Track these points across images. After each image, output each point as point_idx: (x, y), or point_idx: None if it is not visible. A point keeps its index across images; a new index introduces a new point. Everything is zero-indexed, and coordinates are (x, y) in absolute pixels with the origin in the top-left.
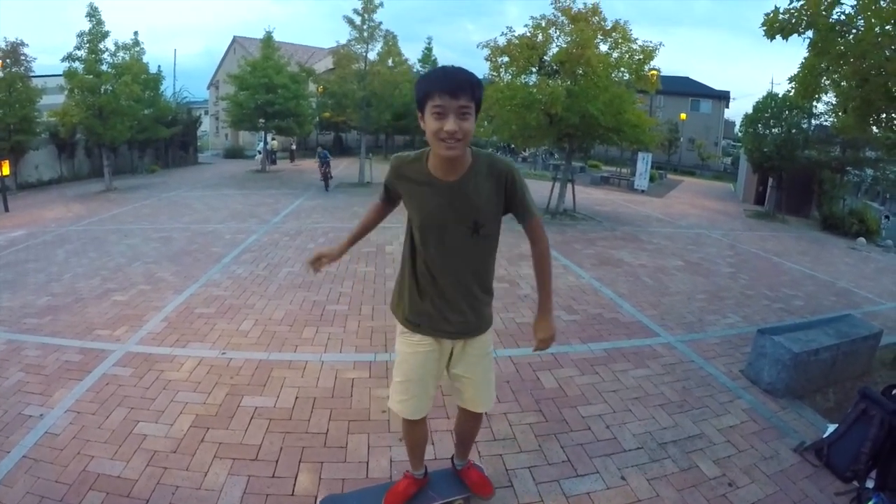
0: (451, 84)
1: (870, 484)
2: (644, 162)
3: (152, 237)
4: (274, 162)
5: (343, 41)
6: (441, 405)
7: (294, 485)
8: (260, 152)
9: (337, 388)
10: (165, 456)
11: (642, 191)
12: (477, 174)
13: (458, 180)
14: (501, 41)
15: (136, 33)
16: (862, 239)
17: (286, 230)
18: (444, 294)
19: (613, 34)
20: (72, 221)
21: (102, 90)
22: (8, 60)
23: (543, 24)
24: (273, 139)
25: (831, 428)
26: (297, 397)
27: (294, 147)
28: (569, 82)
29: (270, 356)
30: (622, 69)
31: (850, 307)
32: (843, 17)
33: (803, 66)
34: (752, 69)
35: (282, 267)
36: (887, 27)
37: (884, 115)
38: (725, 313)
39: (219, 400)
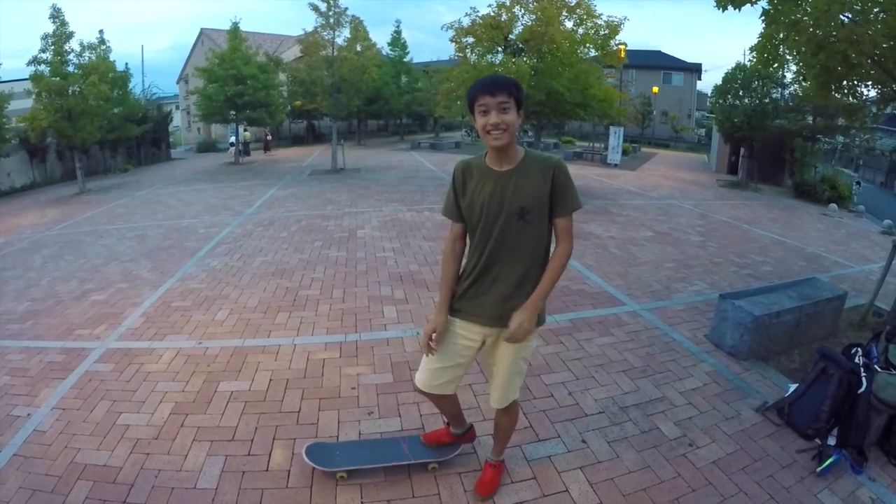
0: (490, 85)
1: (831, 441)
2: (616, 136)
3: (127, 236)
4: (247, 153)
5: (310, 28)
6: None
7: (269, 461)
8: (232, 145)
9: (309, 369)
10: (147, 443)
11: (615, 165)
12: (527, 166)
13: (510, 170)
14: (466, 22)
15: (101, 32)
16: (834, 205)
17: (260, 220)
18: (489, 279)
19: (578, 11)
20: (47, 226)
21: (70, 92)
22: None
23: (507, 3)
24: (245, 130)
25: (793, 388)
26: (270, 380)
27: (269, 137)
28: (535, 60)
29: (245, 343)
30: (588, 45)
31: (820, 271)
32: None
33: (761, 35)
34: (724, 41)
35: (255, 257)
36: None
37: (845, 82)
38: (692, 281)
39: (196, 387)
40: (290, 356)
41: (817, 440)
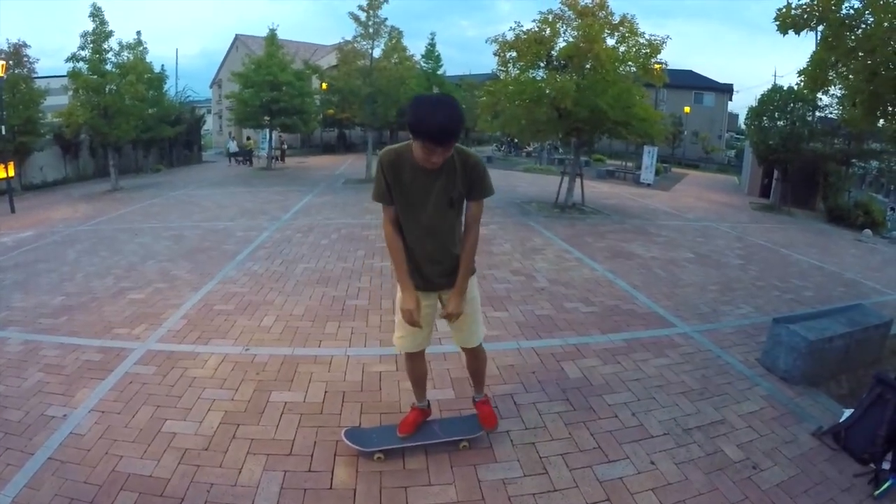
0: (443, 139)
1: (885, 465)
2: (650, 155)
3: (163, 235)
4: (249, 162)
5: (348, 37)
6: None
7: (332, 478)
8: (232, 154)
9: (365, 382)
10: (197, 454)
11: (648, 184)
12: (451, 161)
13: (438, 169)
14: (510, 36)
15: (138, 33)
16: (868, 231)
17: (298, 227)
18: (430, 255)
19: (621, 28)
20: (80, 221)
21: (107, 90)
22: (11, 62)
23: (550, 19)
24: (248, 139)
25: (847, 413)
26: (325, 391)
27: (285, 146)
28: (577, 76)
29: (295, 351)
30: (629, 63)
31: (859, 297)
32: (852, 10)
33: (812, 59)
34: (747, 61)
35: (298, 263)
36: (891, 17)
37: (891, 108)
38: (738, 304)
39: (247, 396)
40: (343, 367)
41: (872, 464)
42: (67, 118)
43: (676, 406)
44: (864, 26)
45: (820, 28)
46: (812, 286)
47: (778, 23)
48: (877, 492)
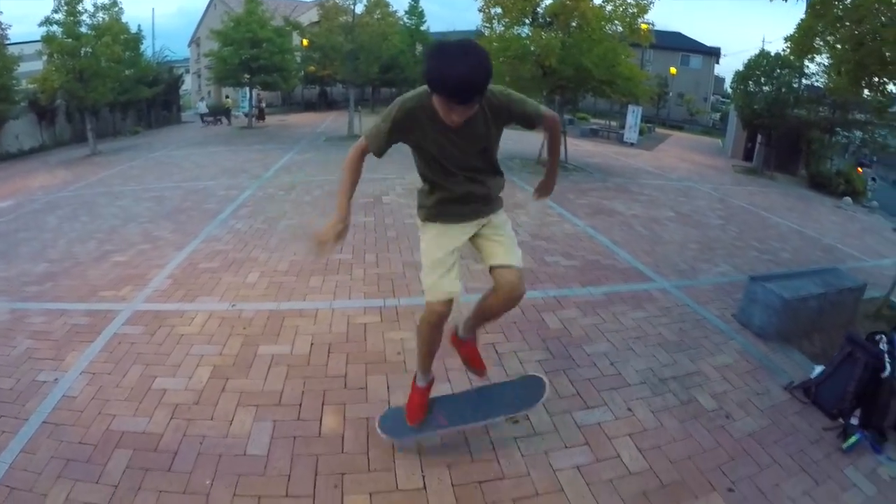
0: (465, 95)
1: (854, 421)
2: (634, 115)
3: (144, 197)
4: (227, 121)
5: None
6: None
7: (320, 426)
8: (203, 116)
9: (350, 333)
10: (188, 408)
11: (632, 144)
12: (478, 113)
13: (464, 122)
14: None
15: None
16: (848, 198)
17: (280, 184)
18: (465, 197)
19: None
20: (59, 188)
21: (83, 53)
22: None
23: None
24: (227, 97)
25: (818, 369)
26: (312, 343)
27: (263, 104)
28: (563, 34)
29: (280, 306)
30: (616, 22)
31: (836, 262)
32: None
33: (799, 26)
34: (737, 26)
35: (280, 220)
36: None
37: (876, 79)
38: (717, 262)
39: (235, 350)
40: (329, 320)
41: (841, 419)
42: (42, 84)
43: (653, 357)
44: None
45: None
46: (790, 249)
47: None
48: (845, 445)
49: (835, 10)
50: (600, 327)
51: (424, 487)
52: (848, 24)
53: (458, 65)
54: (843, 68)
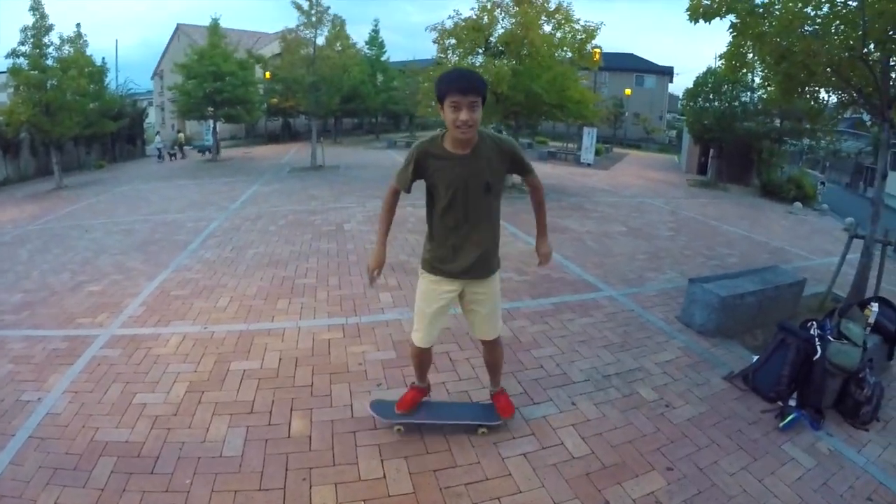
0: (464, 85)
1: (792, 402)
2: (589, 136)
3: (114, 230)
4: (179, 156)
5: (292, 26)
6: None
7: (289, 429)
8: (159, 152)
9: (316, 348)
10: (167, 419)
11: (588, 164)
12: (484, 148)
13: (470, 153)
14: (449, 24)
15: (78, 25)
16: (798, 203)
17: (247, 215)
18: (464, 241)
19: (556, 15)
20: (28, 221)
21: (48, 85)
22: None
23: (489, 6)
24: (179, 132)
25: (756, 358)
26: (280, 358)
27: (182, 138)
28: (514, 62)
29: (250, 326)
30: (565, 48)
31: (783, 263)
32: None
33: (730, 44)
34: (690, 45)
35: (248, 249)
36: (799, 5)
37: (806, 88)
38: (664, 270)
39: (209, 367)
40: (295, 337)
41: (779, 402)
42: (9, 116)
43: (598, 357)
44: (775, 11)
45: (731, 16)
46: (737, 254)
47: (689, 12)
48: (782, 423)
49: (758, 28)
50: (548, 333)
51: (384, 477)
52: (769, 40)
53: (454, 71)
54: (774, 80)
